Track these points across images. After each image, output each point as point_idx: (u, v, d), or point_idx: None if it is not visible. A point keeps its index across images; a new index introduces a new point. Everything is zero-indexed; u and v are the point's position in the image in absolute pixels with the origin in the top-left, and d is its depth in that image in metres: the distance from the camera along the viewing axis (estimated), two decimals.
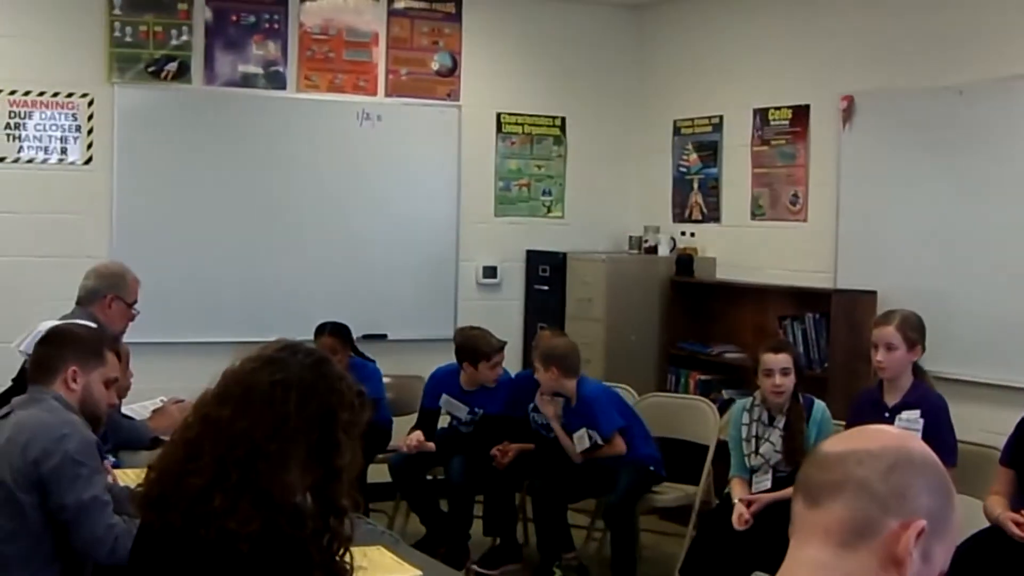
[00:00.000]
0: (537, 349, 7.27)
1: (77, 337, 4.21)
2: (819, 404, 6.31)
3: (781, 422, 6.24)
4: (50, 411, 3.94)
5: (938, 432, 5.64)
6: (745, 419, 6.36)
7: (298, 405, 2.82)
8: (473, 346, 7.47)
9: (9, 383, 5.28)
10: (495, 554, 7.38)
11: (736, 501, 6.14)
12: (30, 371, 4.17)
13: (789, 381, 6.20)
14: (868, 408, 5.96)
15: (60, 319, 5.89)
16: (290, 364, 2.88)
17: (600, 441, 7.00)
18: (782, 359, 6.22)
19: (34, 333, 4.89)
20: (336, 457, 2.84)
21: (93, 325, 4.33)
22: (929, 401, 5.87)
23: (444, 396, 7.63)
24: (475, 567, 7.24)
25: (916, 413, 5.80)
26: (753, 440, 6.29)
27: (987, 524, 5.37)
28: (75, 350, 4.12)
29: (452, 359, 7.56)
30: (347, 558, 2.88)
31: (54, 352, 4.12)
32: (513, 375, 7.79)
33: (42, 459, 3.79)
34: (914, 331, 5.91)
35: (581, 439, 7.02)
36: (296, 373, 2.86)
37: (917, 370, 5.99)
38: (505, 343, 7.58)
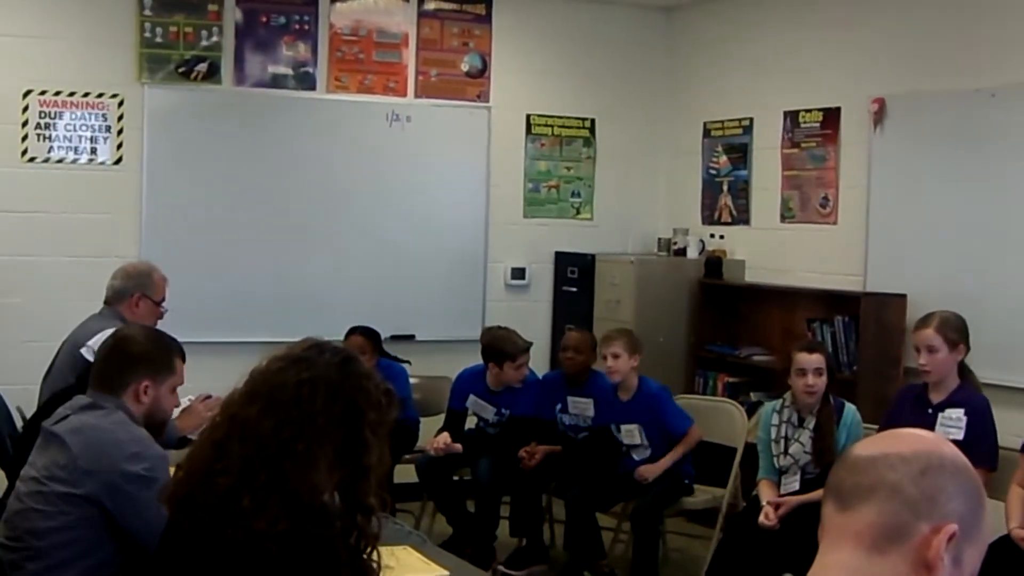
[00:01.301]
0: (611, 339, 7.19)
1: (152, 350, 4.09)
2: (850, 407, 6.29)
3: (811, 423, 6.23)
4: (117, 424, 3.87)
5: (978, 434, 5.65)
6: (775, 420, 6.35)
7: (325, 404, 2.81)
8: (499, 347, 7.47)
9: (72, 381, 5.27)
10: (521, 555, 7.38)
11: (764, 503, 6.12)
12: (96, 377, 4.08)
13: (821, 382, 6.21)
14: (912, 402, 5.98)
15: (88, 319, 5.92)
16: (317, 363, 2.87)
17: (644, 441, 7.00)
18: (815, 359, 6.22)
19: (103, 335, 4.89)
20: (363, 456, 2.84)
21: (164, 334, 4.23)
22: (973, 402, 5.85)
23: (471, 397, 7.64)
24: (501, 568, 7.24)
25: (960, 411, 5.80)
26: (782, 441, 6.29)
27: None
28: (149, 363, 4.03)
29: (480, 360, 7.57)
30: (375, 556, 2.88)
31: (127, 364, 4.02)
32: (540, 376, 7.78)
33: (111, 478, 3.74)
34: (954, 331, 5.90)
35: (632, 434, 7.02)
36: (323, 372, 2.86)
37: (964, 371, 5.98)
38: (531, 344, 7.58)
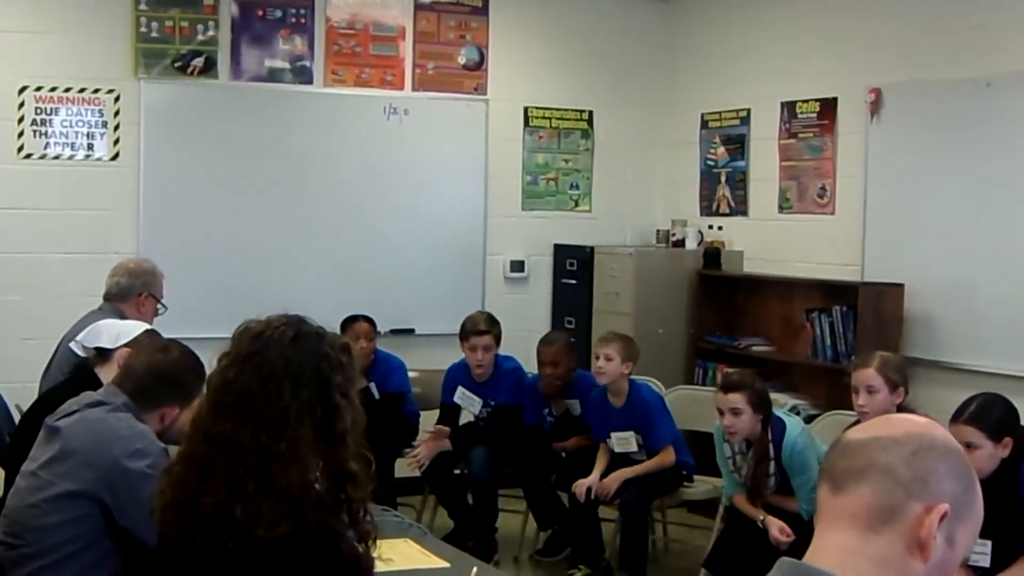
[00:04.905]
0: (607, 341, 7.09)
1: (191, 380, 4.06)
2: (792, 424, 6.08)
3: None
4: (119, 419, 3.83)
5: None
6: (726, 451, 6.24)
7: (293, 392, 2.76)
8: (463, 325, 7.58)
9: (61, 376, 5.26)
10: (554, 541, 7.46)
11: (763, 517, 5.95)
12: (130, 383, 4.01)
13: (740, 422, 5.96)
14: None
15: (87, 315, 5.90)
16: (269, 351, 2.81)
17: (638, 448, 6.99)
18: (732, 399, 5.97)
19: (95, 330, 4.88)
20: (338, 423, 2.79)
21: (199, 360, 4.19)
22: None
23: (459, 389, 7.66)
24: (536, 556, 7.47)
25: None
26: (736, 470, 6.21)
27: None
28: (185, 393, 4.03)
29: None
30: (367, 518, 2.83)
31: (168, 389, 4.02)
32: (529, 374, 7.78)
33: (112, 472, 3.70)
34: (895, 372, 5.62)
35: (626, 441, 6.99)
36: (278, 358, 2.79)
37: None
38: (487, 330, 7.55)
